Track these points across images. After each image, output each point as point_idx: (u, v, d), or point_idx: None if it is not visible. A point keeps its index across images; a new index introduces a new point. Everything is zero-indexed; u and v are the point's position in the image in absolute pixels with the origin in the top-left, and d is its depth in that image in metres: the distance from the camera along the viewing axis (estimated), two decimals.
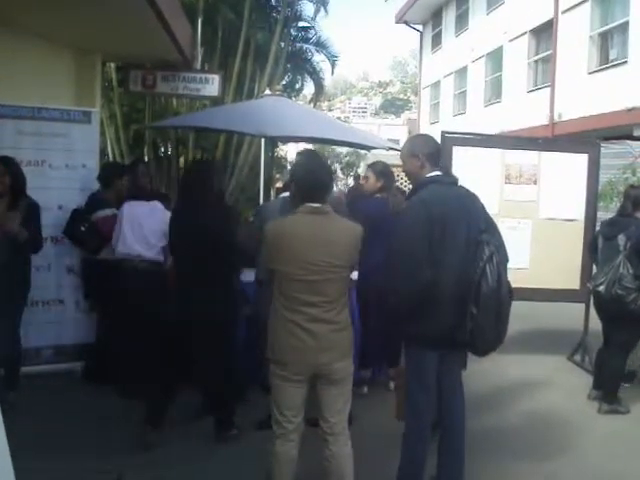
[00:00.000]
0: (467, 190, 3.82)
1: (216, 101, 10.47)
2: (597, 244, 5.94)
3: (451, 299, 3.52)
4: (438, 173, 3.74)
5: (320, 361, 3.38)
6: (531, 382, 6.39)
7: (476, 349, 3.68)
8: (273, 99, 7.36)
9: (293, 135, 6.74)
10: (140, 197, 5.55)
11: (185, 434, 4.80)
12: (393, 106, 79.29)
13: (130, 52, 9.15)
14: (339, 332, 3.44)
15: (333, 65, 16.09)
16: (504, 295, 3.49)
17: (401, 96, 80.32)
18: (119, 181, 5.93)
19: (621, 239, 5.50)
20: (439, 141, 6.78)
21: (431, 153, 3.75)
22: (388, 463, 3.96)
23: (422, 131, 29.79)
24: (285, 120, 6.33)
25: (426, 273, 3.44)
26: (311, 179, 3.45)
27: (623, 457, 4.84)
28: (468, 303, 3.47)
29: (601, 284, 5.48)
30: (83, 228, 5.71)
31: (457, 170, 5.99)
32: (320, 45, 15.39)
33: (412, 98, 50.72)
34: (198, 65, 11.57)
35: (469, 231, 3.58)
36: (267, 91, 10.22)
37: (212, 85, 9.87)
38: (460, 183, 3.86)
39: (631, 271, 5.36)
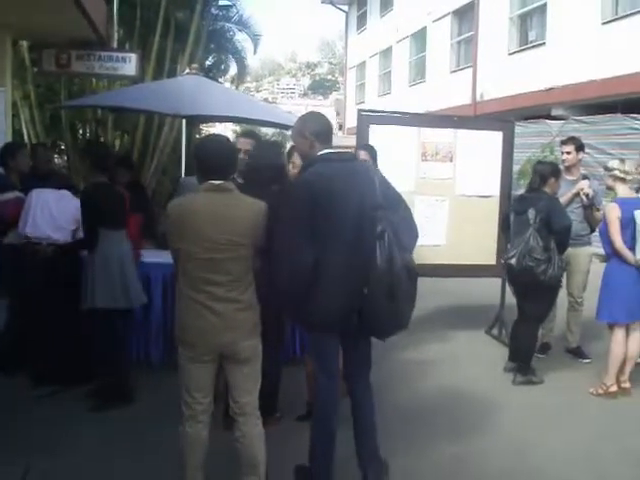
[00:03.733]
0: (363, 166, 3.75)
1: (136, 81, 10.22)
2: (510, 220, 6.07)
3: (343, 279, 3.43)
4: (329, 151, 3.63)
5: (225, 340, 3.35)
6: (450, 357, 6.50)
7: (371, 331, 3.62)
8: (189, 78, 7.24)
9: (207, 114, 6.65)
10: (49, 185, 5.37)
11: (100, 423, 4.70)
12: (321, 87, 79.26)
13: (42, 30, 8.83)
14: (244, 311, 3.41)
15: (256, 44, 15.85)
16: (397, 274, 3.38)
17: (329, 77, 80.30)
18: (14, 160, 5.71)
19: (531, 213, 5.62)
20: (356, 120, 6.88)
21: (319, 131, 3.63)
22: (301, 442, 3.97)
23: (349, 112, 29.94)
24: (200, 99, 6.24)
25: (308, 253, 3.37)
26: (212, 157, 3.40)
27: (537, 427, 4.96)
28: (361, 284, 3.40)
29: (512, 257, 5.61)
30: None
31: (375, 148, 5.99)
32: (242, 24, 15.12)
33: (340, 79, 50.81)
34: (115, 44, 11.27)
35: (362, 208, 3.47)
36: (187, 70, 10.06)
37: (129, 64, 9.63)
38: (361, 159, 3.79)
39: (541, 243, 5.50)
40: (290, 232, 3.43)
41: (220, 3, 14.91)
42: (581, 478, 4.23)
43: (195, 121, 7.80)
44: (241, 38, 16.13)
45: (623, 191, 5.58)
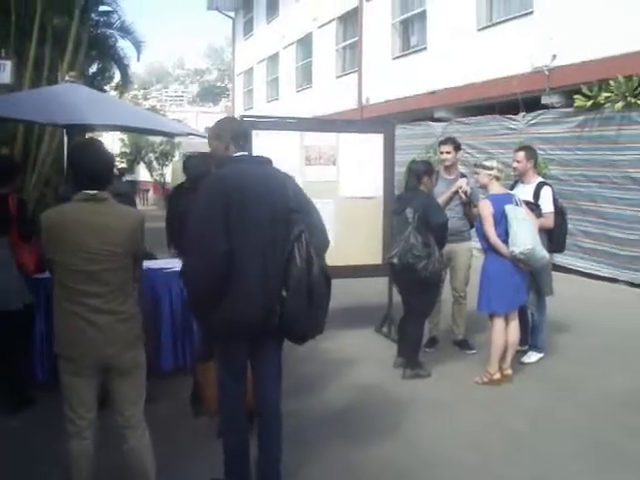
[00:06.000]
0: (278, 170, 3.73)
1: (12, 89, 9.83)
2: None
3: (258, 281, 3.44)
4: (244, 153, 3.69)
5: (106, 353, 3.29)
6: (342, 357, 6.57)
7: (290, 335, 3.61)
8: (67, 86, 7.04)
9: (87, 123, 6.49)
10: None
11: None
12: (210, 94, 78.51)
13: None
14: (124, 322, 3.36)
15: (139, 51, 15.62)
16: (315, 277, 3.43)
17: (218, 84, 79.73)
18: None
19: (409, 212, 5.77)
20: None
21: (236, 135, 3.69)
22: (199, 455, 3.95)
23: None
24: (78, 108, 6.08)
25: (221, 247, 3.35)
26: (87, 166, 3.33)
27: (427, 419, 5.12)
28: (278, 285, 3.43)
29: (395, 255, 5.75)
30: None
31: (259, 154, 6.00)
32: (124, 30, 14.83)
33: (229, 85, 50.73)
34: None
35: (275, 210, 3.50)
36: (67, 78, 9.78)
37: (4, 72, 9.21)
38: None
39: (420, 240, 5.66)
40: (202, 225, 3.42)
41: (100, 9, 14.57)
42: (469, 464, 4.39)
43: (75, 130, 7.56)
44: (124, 45, 15.88)
45: (497, 188, 5.85)
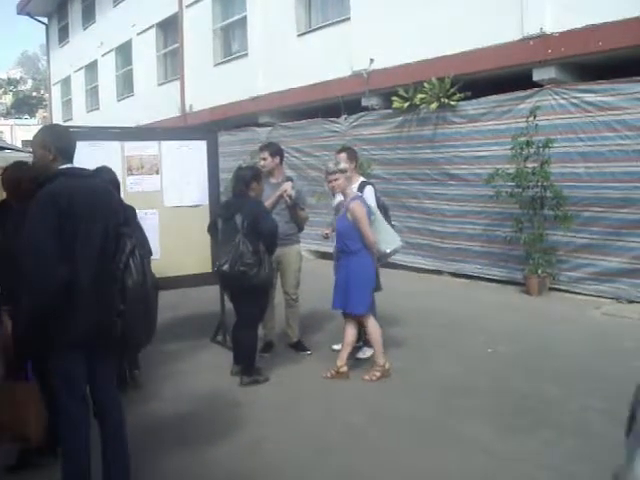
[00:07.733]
0: (104, 183, 3.76)
1: None
2: (217, 226, 6.15)
3: (93, 295, 3.40)
4: (71, 166, 3.59)
5: None
6: (178, 367, 6.42)
7: (126, 346, 3.66)
8: None
9: None
10: None
11: None
12: (26, 105, 74.15)
13: None
14: None
15: None
16: (150, 289, 3.52)
17: (34, 94, 75.57)
18: None
19: (238, 219, 5.72)
20: None
21: (64, 146, 3.59)
22: None
23: None
24: None
25: (61, 269, 3.28)
26: None
27: (269, 423, 5.10)
28: (114, 299, 3.41)
29: (225, 263, 5.66)
30: None
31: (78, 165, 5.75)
32: None
33: (46, 95, 48.37)
34: None
35: (107, 224, 3.51)
36: None
37: None
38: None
39: (250, 248, 5.61)
40: (39, 247, 3.29)
41: None
42: (307, 459, 4.45)
43: None
44: None
45: (351, 190, 5.98)
